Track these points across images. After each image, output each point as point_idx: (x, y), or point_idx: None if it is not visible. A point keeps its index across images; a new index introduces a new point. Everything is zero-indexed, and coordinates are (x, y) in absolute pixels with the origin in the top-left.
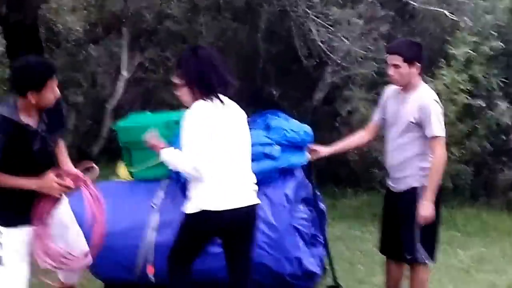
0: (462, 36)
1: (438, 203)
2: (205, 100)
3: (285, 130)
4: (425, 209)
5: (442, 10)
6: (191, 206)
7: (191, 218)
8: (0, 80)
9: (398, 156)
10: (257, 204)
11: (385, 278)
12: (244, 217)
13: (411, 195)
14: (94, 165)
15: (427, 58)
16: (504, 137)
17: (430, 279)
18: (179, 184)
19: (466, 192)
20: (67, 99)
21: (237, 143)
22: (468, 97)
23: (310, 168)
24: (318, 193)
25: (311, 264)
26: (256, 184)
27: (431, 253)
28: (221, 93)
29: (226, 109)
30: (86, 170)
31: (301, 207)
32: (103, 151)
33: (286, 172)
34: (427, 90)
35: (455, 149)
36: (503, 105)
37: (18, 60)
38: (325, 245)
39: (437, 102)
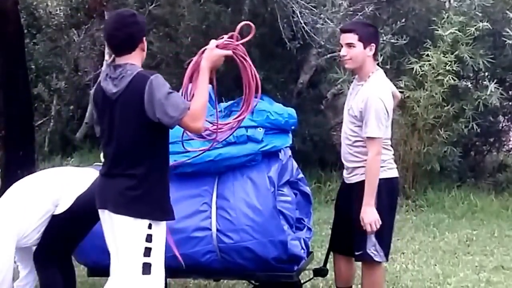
0: (448, 17)
1: (392, 195)
2: None
3: (269, 113)
4: (366, 215)
5: None
6: None
7: None
8: None
9: (347, 151)
10: None
11: (334, 277)
12: None
13: (362, 188)
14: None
15: (413, 39)
16: (491, 119)
17: (417, 261)
18: None
19: (453, 175)
20: (49, 85)
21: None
22: (455, 78)
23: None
24: (303, 176)
25: (295, 247)
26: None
27: (385, 250)
28: None
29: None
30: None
31: (286, 190)
32: (86, 136)
33: (270, 155)
34: (378, 83)
35: (442, 130)
36: (491, 86)
37: None
38: (311, 229)
39: (382, 99)
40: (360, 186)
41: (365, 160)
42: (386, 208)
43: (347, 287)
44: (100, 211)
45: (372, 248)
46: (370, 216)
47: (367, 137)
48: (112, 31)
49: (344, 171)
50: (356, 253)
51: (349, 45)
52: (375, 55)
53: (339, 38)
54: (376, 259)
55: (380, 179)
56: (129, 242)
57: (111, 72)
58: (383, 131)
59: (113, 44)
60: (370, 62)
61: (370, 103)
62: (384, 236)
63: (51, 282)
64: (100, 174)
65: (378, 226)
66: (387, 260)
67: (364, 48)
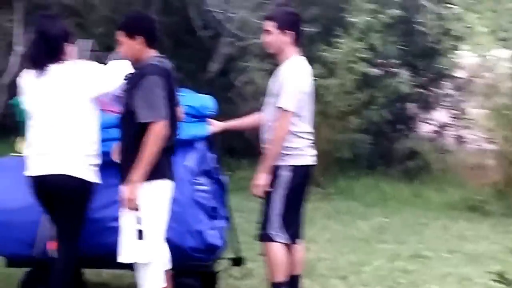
0: (359, 4)
1: (303, 179)
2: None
3: (186, 101)
4: (257, 179)
5: None
6: None
7: None
8: None
9: (266, 131)
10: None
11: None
12: (44, 186)
13: (275, 171)
14: None
15: (324, 27)
16: (401, 106)
17: (330, 249)
18: None
19: (364, 162)
20: None
21: (49, 108)
22: (366, 66)
23: (212, 140)
24: (218, 165)
25: (212, 237)
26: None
27: (289, 231)
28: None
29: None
30: None
31: (202, 179)
32: None
33: (186, 144)
34: (294, 64)
35: (353, 118)
36: (402, 73)
37: None
38: (227, 218)
39: (296, 76)
40: (276, 169)
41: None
42: (294, 191)
43: (293, 275)
44: None
45: (274, 228)
46: (258, 180)
47: (278, 108)
48: None
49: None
50: (259, 233)
51: (267, 31)
52: (296, 42)
53: (250, 27)
54: (277, 239)
55: (292, 166)
56: None
57: None
58: (293, 106)
59: None
60: (289, 48)
61: (284, 79)
62: (287, 218)
63: None
64: None
65: (262, 193)
66: (292, 242)
67: (282, 34)
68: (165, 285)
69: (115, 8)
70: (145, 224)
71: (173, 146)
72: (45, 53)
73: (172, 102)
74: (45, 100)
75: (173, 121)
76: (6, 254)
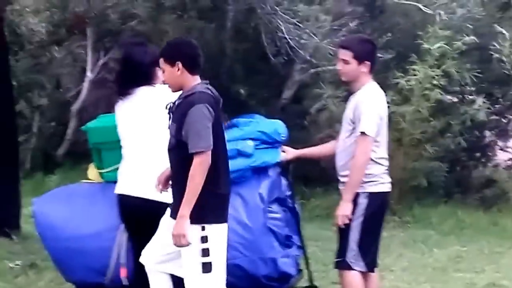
0: (434, 31)
1: (379, 209)
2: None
3: (260, 127)
4: (341, 208)
5: (415, 3)
6: None
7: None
8: None
9: (343, 158)
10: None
11: None
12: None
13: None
14: None
15: (398, 53)
16: (478, 133)
17: (406, 278)
18: None
19: (440, 190)
20: (31, 101)
21: (140, 133)
22: (442, 93)
23: (286, 167)
24: (291, 193)
25: (286, 265)
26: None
27: (366, 260)
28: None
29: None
30: None
31: (275, 207)
32: (68, 153)
33: (260, 171)
34: (370, 90)
35: (428, 146)
36: (478, 100)
37: None
38: (300, 246)
39: (374, 101)
40: (354, 197)
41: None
42: (371, 219)
43: None
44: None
45: (352, 256)
46: (343, 209)
47: (360, 133)
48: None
49: (340, 184)
50: (336, 260)
51: (344, 61)
52: (371, 70)
53: (323, 53)
54: (355, 267)
55: (370, 193)
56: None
57: None
58: (373, 131)
59: None
60: (364, 77)
61: (362, 104)
62: (365, 246)
63: None
64: None
65: (346, 222)
66: (368, 270)
67: (358, 65)
68: None
69: (187, 34)
70: (212, 257)
71: (229, 190)
72: (139, 79)
73: (220, 133)
74: (139, 123)
75: (224, 157)
76: (76, 280)
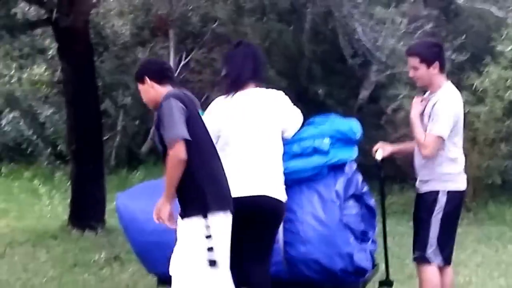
0: (508, 33)
1: (458, 204)
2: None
3: (336, 126)
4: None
5: (488, 7)
6: None
7: None
8: (49, 83)
9: (420, 158)
10: (270, 197)
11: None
12: (252, 208)
13: (431, 197)
14: None
15: (472, 55)
16: None
17: (480, 273)
18: None
19: None
20: (116, 101)
21: (253, 133)
22: None
23: (380, 164)
24: (368, 190)
25: (361, 259)
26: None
27: (443, 254)
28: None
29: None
30: None
31: (351, 203)
32: (151, 151)
33: (336, 168)
34: (447, 91)
35: (502, 145)
36: None
37: None
38: (374, 241)
39: (450, 103)
40: (427, 195)
41: (436, 173)
42: (450, 215)
43: None
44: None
45: (431, 251)
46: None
47: (428, 133)
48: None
49: (417, 182)
50: (415, 255)
51: (414, 67)
52: (442, 69)
53: (399, 55)
54: (434, 261)
55: (449, 191)
56: None
57: None
58: (446, 131)
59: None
60: (437, 78)
61: (438, 105)
62: (443, 241)
63: None
64: None
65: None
66: (446, 263)
67: (428, 68)
68: None
69: (265, 36)
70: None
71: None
72: (246, 78)
73: (198, 127)
74: (247, 122)
75: (205, 146)
76: (158, 272)
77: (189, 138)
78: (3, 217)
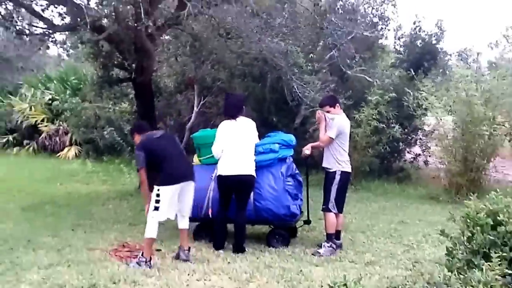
0: (374, 90)
1: (347, 178)
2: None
3: (282, 137)
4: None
5: (363, 75)
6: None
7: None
8: (130, 112)
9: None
10: (246, 174)
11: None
12: (238, 180)
13: (331, 174)
14: None
15: (355, 102)
16: (395, 144)
17: (358, 218)
18: None
19: (375, 173)
20: (165, 123)
21: (239, 140)
22: (377, 122)
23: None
24: (298, 171)
25: (294, 209)
26: (254, 162)
27: (338, 207)
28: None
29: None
30: None
31: (289, 179)
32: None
33: (282, 160)
34: (342, 116)
35: (370, 150)
36: (396, 126)
37: None
38: (302, 199)
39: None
40: (330, 173)
41: (331, 160)
42: (342, 186)
43: (337, 230)
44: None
45: (330, 204)
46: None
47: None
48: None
49: (325, 166)
50: (323, 206)
51: (328, 111)
52: (340, 107)
53: (316, 101)
54: (332, 211)
55: (342, 171)
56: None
57: None
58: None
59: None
60: (338, 111)
61: (333, 121)
62: (338, 200)
63: None
64: None
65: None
66: (339, 212)
67: (334, 108)
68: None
69: (246, 89)
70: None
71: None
72: (237, 110)
73: (158, 150)
74: (239, 134)
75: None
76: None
77: (144, 166)
78: (103, 184)
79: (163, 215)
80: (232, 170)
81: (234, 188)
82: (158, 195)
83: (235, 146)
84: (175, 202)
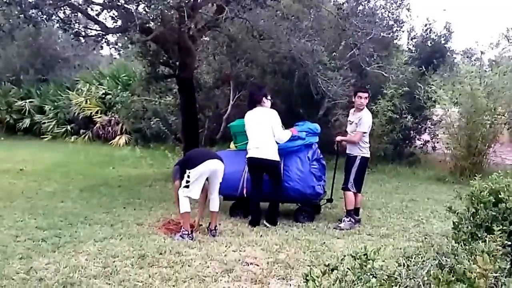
0: (388, 85)
1: (366, 162)
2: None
3: (308, 126)
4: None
5: (380, 71)
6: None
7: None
8: (174, 105)
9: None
10: (262, 158)
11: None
12: (257, 163)
13: (352, 158)
14: None
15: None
16: (407, 132)
17: (374, 196)
18: None
19: (390, 158)
20: (205, 114)
21: (255, 127)
22: (392, 113)
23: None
24: (322, 156)
25: (318, 189)
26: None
27: (356, 186)
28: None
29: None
30: None
31: (315, 162)
32: (222, 137)
33: (308, 145)
34: (366, 111)
35: (385, 137)
36: (408, 116)
37: None
38: (326, 180)
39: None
40: (351, 157)
41: (354, 146)
42: (361, 168)
43: (356, 207)
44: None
45: (350, 184)
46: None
47: (358, 131)
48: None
49: (347, 151)
50: (343, 186)
51: (366, 98)
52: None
53: (338, 95)
54: (351, 190)
55: (361, 156)
56: None
57: None
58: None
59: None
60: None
61: (362, 119)
62: (357, 180)
63: None
64: None
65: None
66: (358, 192)
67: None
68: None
69: (276, 84)
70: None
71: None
72: (255, 101)
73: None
74: (256, 122)
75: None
76: (224, 194)
77: (178, 178)
78: (150, 168)
79: (191, 192)
80: (251, 153)
81: (256, 169)
82: (188, 176)
83: (253, 132)
84: (202, 182)
